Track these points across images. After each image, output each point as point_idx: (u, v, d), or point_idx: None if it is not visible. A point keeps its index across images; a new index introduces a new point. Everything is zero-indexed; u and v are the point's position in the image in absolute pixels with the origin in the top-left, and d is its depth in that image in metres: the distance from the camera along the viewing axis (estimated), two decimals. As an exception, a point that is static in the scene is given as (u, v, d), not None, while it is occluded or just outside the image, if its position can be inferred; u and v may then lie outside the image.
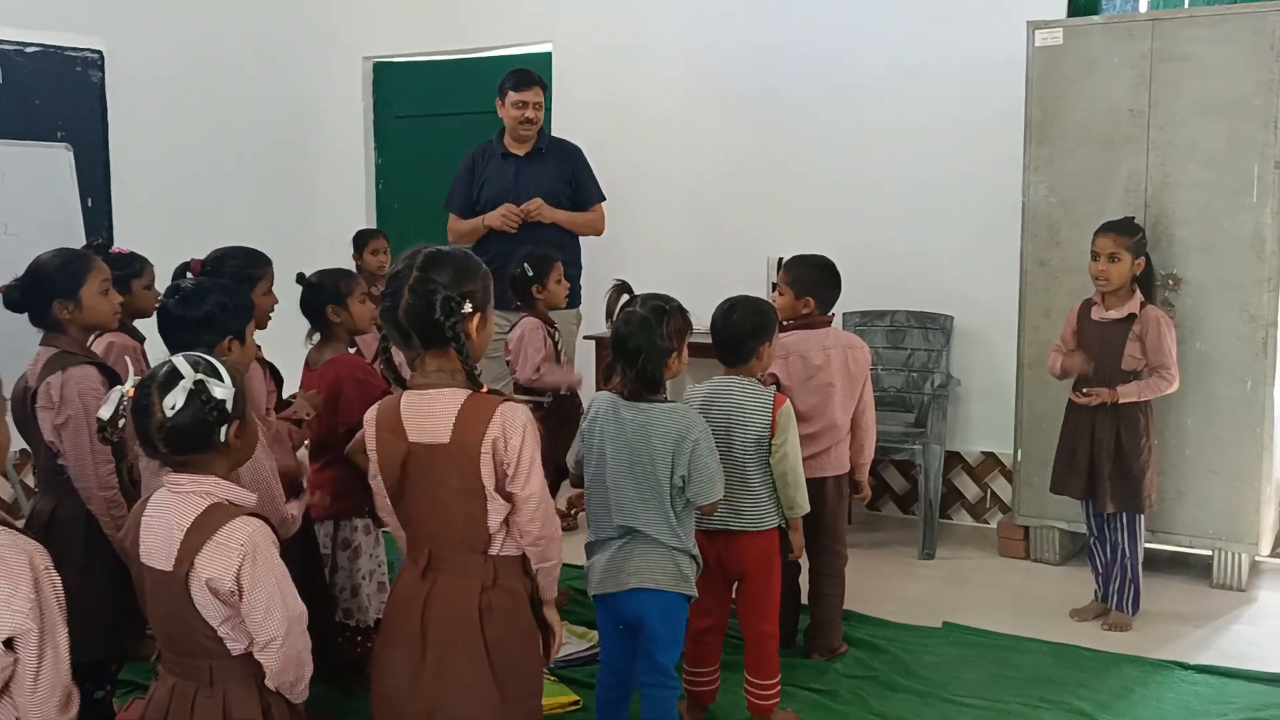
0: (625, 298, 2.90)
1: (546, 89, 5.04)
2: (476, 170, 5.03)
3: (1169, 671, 3.59)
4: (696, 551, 2.86)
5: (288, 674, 2.09)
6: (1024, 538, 4.73)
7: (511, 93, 4.91)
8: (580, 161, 5.08)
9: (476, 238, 4.91)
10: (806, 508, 3.20)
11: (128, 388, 2.06)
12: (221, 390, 2.05)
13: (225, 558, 1.99)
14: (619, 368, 2.80)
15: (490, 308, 2.37)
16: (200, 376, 2.04)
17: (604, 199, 5.10)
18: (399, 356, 2.39)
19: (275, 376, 3.17)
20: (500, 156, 5.00)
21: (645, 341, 2.75)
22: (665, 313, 2.78)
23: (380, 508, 2.42)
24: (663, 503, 2.77)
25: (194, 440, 2.05)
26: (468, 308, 2.26)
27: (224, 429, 2.07)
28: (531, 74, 4.97)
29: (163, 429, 2.03)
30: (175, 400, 2.01)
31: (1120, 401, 3.85)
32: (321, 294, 3.38)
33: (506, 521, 2.29)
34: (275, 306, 3.22)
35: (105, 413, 2.06)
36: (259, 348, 3.17)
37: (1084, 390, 3.89)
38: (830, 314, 3.72)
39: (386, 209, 6.74)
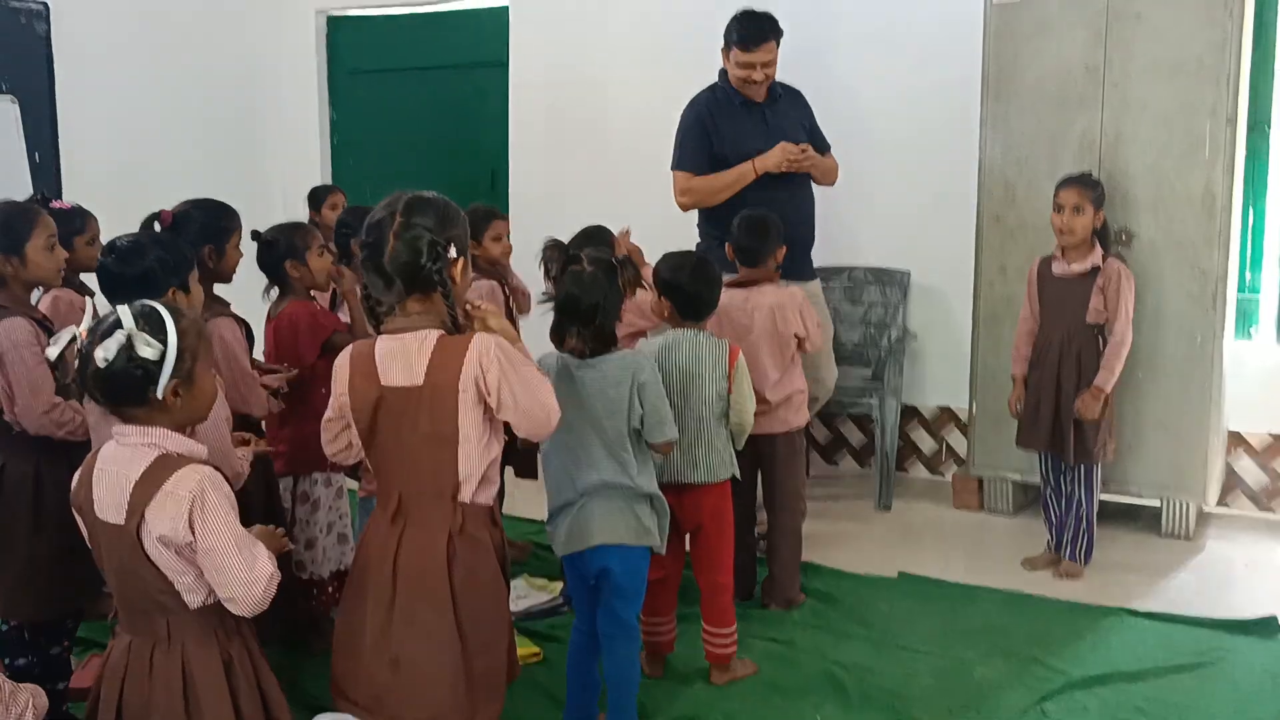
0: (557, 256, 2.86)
1: (780, 39, 4.34)
2: (707, 124, 4.40)
3: (1117, 618, 3.67)
4: (659, 493, 2.86)
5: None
6: (978, 490, 4.80)
7: (737, 50, 4.29)
8: (809, 108, 4.61)
9: (736, 189, 4.29)
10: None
11: (81, 329, 2.02)
12: (149, 350, 1.97)
13: (175, 506, 1.95)
14: (573, 330, 2.76)
15: (469, 252, 2.37)
16: (132, 331, 1.97)
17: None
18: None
19: (249, 335, 3.14)
20: (739, 105, 4.40)
21: (601, 298, 2.73)
22: (616, 267, 2.77)
23: (325, 442, 2.44)
24: (627, 451, 2.78)
25: (123, 393, 2.01)
26: (453, 252, 2.27)
27: (155, 387, 2.00)
28: (763, 27, 4.28)
29: (95, 377, 1.99)
30: (107, 350, 1.96)
31: (1096, 385, 3.90)
32: (278, 250, 3.35)
33: (480, 469, 2.30)
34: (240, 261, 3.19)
35: (53, 353, 2.04)
36: (228, 305, 3.14)
37: (1077, 409, 3.92)
38: (771, 269, 3.69)
39: (341, 165, 6.64)
